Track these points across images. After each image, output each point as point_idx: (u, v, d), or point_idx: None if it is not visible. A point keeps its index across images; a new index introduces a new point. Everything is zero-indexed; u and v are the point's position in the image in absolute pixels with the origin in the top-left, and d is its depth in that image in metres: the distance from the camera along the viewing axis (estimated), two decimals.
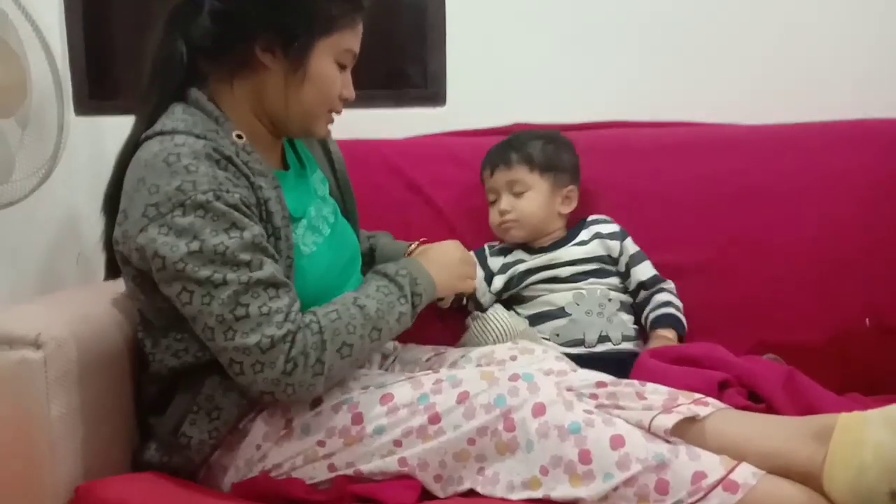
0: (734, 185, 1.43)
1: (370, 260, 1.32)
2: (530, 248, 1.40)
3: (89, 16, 1.78)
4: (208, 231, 0.90)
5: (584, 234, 1.38)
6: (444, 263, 1.16)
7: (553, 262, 1.35)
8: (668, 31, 1.63)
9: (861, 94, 1.56)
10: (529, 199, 1.35)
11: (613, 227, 1.39)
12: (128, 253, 0.95)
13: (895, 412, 0.84)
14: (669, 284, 1.36)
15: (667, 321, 1.31)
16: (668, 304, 1.33)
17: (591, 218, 1.41)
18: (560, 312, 1.32)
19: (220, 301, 0.90)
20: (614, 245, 1.36)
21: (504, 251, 1.42)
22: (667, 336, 1.29)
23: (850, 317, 1.34)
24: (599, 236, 1.37)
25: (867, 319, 1.34)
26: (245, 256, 0.91)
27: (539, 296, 1.35)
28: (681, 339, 1.31)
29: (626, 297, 1.37)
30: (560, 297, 1.33)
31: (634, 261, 1.37)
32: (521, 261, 1.38)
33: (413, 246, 1.29)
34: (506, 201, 1.36)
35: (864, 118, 1.48)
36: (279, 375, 0.91)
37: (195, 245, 0.89)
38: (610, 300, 1.33)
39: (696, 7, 1.62)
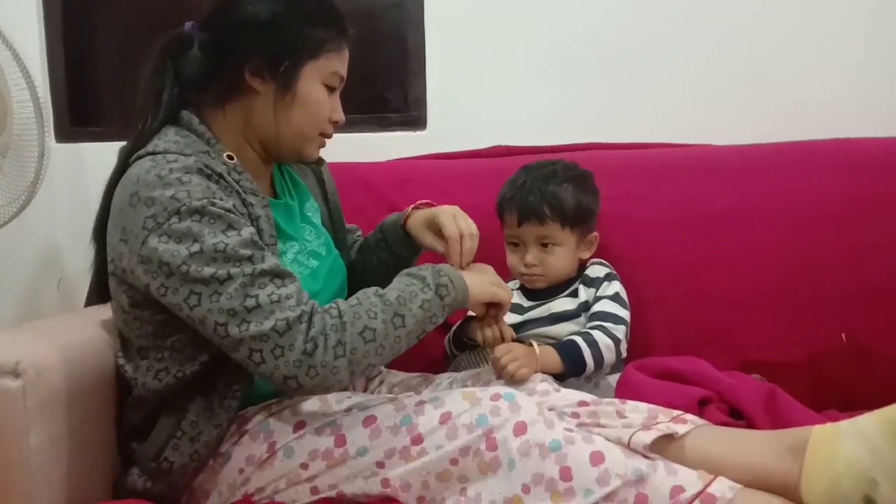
0: (708, 205, 1.44)
1: (384, 245, 1.28)
2: (530, 292, 1.35)
3: (70, 44, 1.80)
4: (206, 232, 0.91)
5: (577, 283, 1.33)
6: (478, 270, 1.13)
7: (547, 314, 1.30)
8: (641, 56, 1.67)
9: (833, 114, 1.60)
10: (558, 254, 1.29)
11: (599, 272, 1.32)
12: (129, 269, 0.95)
13: (865, 423, 0.86)
14: (613, 329, 1.23)
15: (564, 345, 1.20)
16: (586, 334, 1.22)
17: (590, 262, 1.35)
18: None
19: (227, 295, 0.90)
20: (590, 292, 1.31)
21: None
22: (545, 351, 1.18)
23: (826, 334, 1.36)
24: (584, 283, 1.32)
25: (843, 335, 1.36)
26: (246, 251, 0.92)
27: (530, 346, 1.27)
28: (563, 374, 1.19)
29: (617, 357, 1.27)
30: None
31: (596, 301, 1.28)
32: (519, 306, 1.33)
33: (410, 209, 1.24)
34: (533, 255, 1.29)
35: (836, 138, 1.51)
36: (300, 356, 0.90)
37: (195, 247, 0.91)
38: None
39: (669, 34, 1.66)
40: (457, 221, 1.14)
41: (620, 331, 1.24)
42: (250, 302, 0.90)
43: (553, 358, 1.18)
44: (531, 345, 1.18)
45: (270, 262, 0.94)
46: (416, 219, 1.22)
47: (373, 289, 1.01)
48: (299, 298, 0.93)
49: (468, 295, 1.06)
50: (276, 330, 0.90)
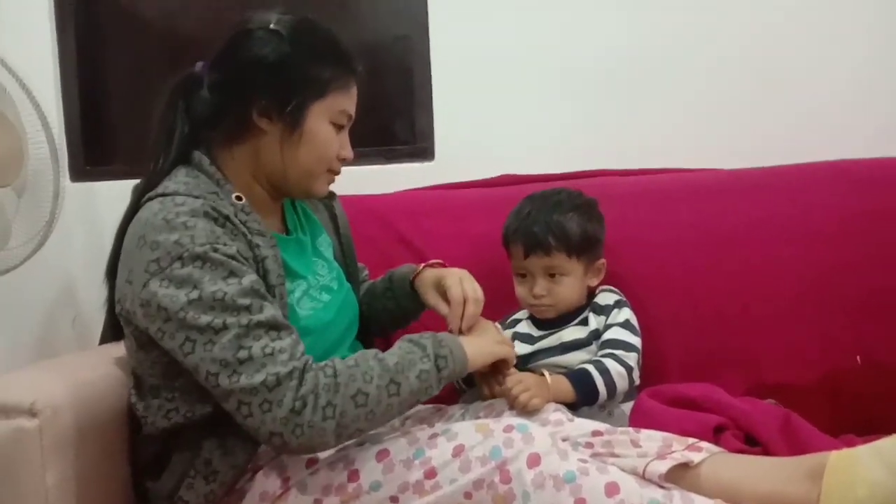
0: (718, 227, 1.45)
1: (391, 294, 1.28)
2: (539, 321, 1.34)
3: (84, 85, 1.84)
4: (207, 279, 0.92)
5: (587, 311, 1.32)
6: (480, 332, 1.13)
7: (558, 343, 1.29)
8: (646, 86, 1.69)
9: (839, 135, 1.60)
10: (566, 284, 1.29)
11: (609, 299, 1.32)
12: (132, 310, 0.96)
13: (886, 447, 0.85)
14: (625, 356, 1.22)
15: (575, 374, 1.20)
16: (597, 362, 1.21)
17: (599, 289, 1.35)
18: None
19: (221, 345, 0.90)
20: (601, 320, 1.30)
21: (514, 322, 1.37)
22: (557, 381, 1.17)
23: (841, 355, 1.35)
24: (594, 311, 1.31)
25: (858, 357, 1.35)
26: (244, 301, 0.92)
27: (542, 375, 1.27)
28: (576, 403, 1.18)
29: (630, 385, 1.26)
30: None
31: (607, 328, 1.28)
32: (529, 335, 1.33)
33: (421, 267, 1.25)
34: (541, 286, 1.28)
35: (845, 158, 1.51)
36: (287, 414, 0.90)
37: (194, 294, 0.91)
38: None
39: (673, 63, 1.68)
40: (462, 285, 1.13)
41: (632, 358, 1.23)
42: (243, 354, 0.90)
43: (565, 387, 1.18)
44: (542, 374, 1.17)
45: (268, 312, 0.94)
46: (425, 278, 1.22)
47: (372, 351, 1.01)
48: (293, 353, 0.93)
49: (467, 366, 1.05)
50: (266, 385, 0.90)
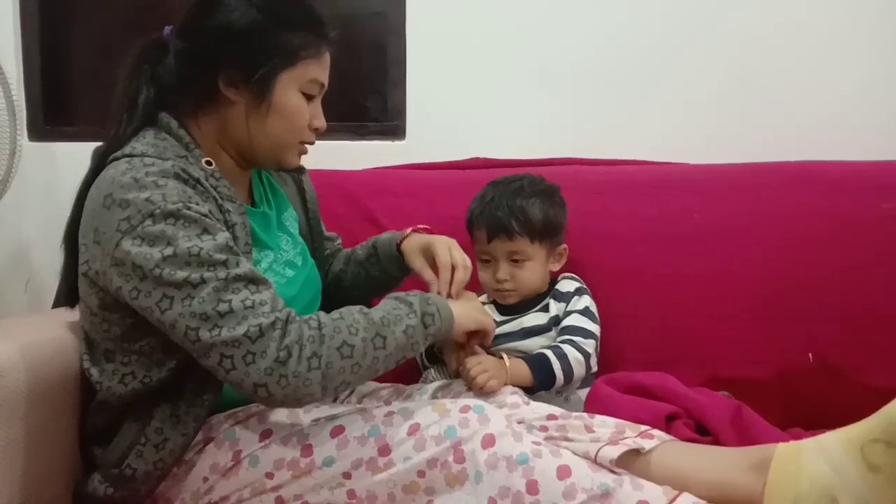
0: (683, 222, 1.46)
1: (375, 260, 1.28)
2: (502, 306, 1.35)
3: (46, 41, 1.78)
4: (181, 235, 0.90)
5: (548, 297, 1.33)
6: (464, 299, 1.14)
7: (519, 329, 1.31)
8: (623, 71, 1.69)
9: (807, 136, 1.62)
10: (529, 269, 1.30)
11: (570, 286, 1.33)
12: (102, 271, 0.94)
13: (828, 441, 0.87)
14: (583, 343, 1.24)
15: (534, 359, 1.21)
16: (556, 348, 1.23)
17: (561, 276, 1.36)
18: None
19: (200, 299, 0.89)
20: (561, 306, 1.31)
21: None
22: (515, 364, 1.18)
23: (793, 354, 1.37)
24: (555, 297, 1.33)
25: (810, 354, 1.38)
26: (220, 256, 0.91)
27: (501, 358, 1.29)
28: (533, 387, 1.19)
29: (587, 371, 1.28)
30: None
31: (567, 315, 1.29)
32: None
33: (408, 231, 1.25)
34: (504, 270, 1.29)
35: (809, 160, 1.53)
36: (272, 363, 0.88)
37: (169, 250, 0.89)
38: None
39: (650, 49, 1.68)
40: (451, 252, 1.15)
41: (590, 345, 1.24)
42: (223, 307, 0.89)
43: (523, 370, 1.18)
44: (502, 357, 1.18)
45: (245, 267, 0.93)
46: (412, 242, 1.22)
47: (358, 307, 1.00)
48: (274, 305, 0.92)
49: (454, 325, 1.06)
50: (249, 336, 0.89)
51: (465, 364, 1.13)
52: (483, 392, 1.10)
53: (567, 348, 1.22)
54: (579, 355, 1.22)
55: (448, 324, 1.05)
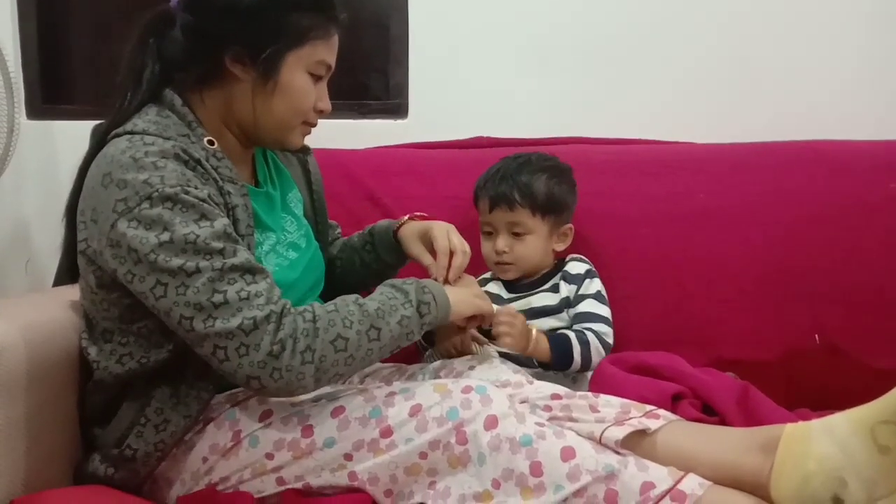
0: (690, 203, 1.45)
1: (371, 247, 1.28)
2: (510, 284, 1.35)
3: (44, 18, 1.76)
4: (178, 221, 0.88)
5: (557, 278, 1.32)
6: (463, 284, 1.14)
7: (527, 308, 1.29)
8: (628, 50, 1.67)
9: (823, 115, 1.61)
10: (529, 242, 1.29)
11: (580, 268, 1.32)
12: (99, 250, 0.93)
13: (837, 422, 0.86)
14: (605, 334, 1.25)
15: (556, 338, 1.21)
16: (580, 333, 1.23)
17: (569, 257, 1.35)
18: (528, 361, 1.25)
19: (195, 289, 0.88)
20: (572, 289, 1.30)
21: (483, 281, 1.37)
22: (541, 338, 1.19)
23: (799, 335, 1.37)
24: (565, 279, 1.31)
25: (816, 336, 1.37)
26: (217, 244, 0.89)
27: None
28: (549, 363, 1.21)
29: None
30: None
31: (580, 299, 1.28)
32: (500, 297, 1.34)
33: (405, 218, 1.24)
34: (504, 241, 1.29)
35: (817, 139, 1.51)
36: (265, 357, 0.88)
37: (165, 236, 0.88)
38: None
39: (657, 28, 1.66)
40: (450, 237, 1.14)
41: (610, 335, 1.25)
42: (218, 297, 0.88)
43: (543, 345, 1.19)
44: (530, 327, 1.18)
45: (242, 256, 0.91)
46: (410, 229, 1.21)
47: (353, 296, 0.99)
48: (269, 297, 0.91)
49: (450, 313, 1.05)
50: (243, 328, 0.88)
51: (498, 315, 1.13)
52: (495, 342, 1.13)
53: (591, 337, 1.23)
54: (601, 347, 1.23)
55: (444, 311, 1.04)
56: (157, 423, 0.96)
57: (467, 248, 1.14)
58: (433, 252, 1.15)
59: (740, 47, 1.65)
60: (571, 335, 1.22)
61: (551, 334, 1.22)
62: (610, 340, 1.25)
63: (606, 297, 1.30)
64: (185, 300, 0.88)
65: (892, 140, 1.50)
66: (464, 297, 1.09)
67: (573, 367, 1.21)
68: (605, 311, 1.28)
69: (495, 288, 1.36)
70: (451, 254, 1.13)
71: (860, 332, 1.36)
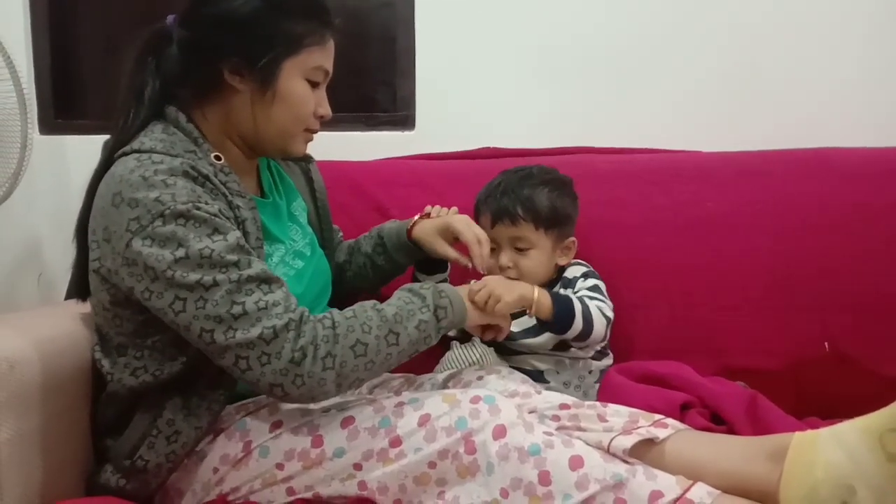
0: (695, 211, 1.44)
1: (382, 250, 1.29)
2: None
3: (56, 35, 1.78)
4: (192, 237, 0.90)
5: (558, 286, 1.30)
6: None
7: (530, 322, 1.27)
8: (633, 61, 1.67)
9: (827, 124, 1.61)
10: (532, 257, 1.27)
11: (576, 271, 1.31)
12: (114, 270, 0.94)
13: (845, 430, 0.86)
14: (605, 308, 1.23)
15: (559, 296, 1.20)
16: (582, 299, 1.22)
17: (570, 262, 1.33)
18: (538, 376, 1.26)
19: (214, 302, 0.89)
20: (569, 291, 1.28)
21: None
22: (543, 294, 1.17)
23: (808, 343, 1.36)
24: (564, 285, 1.30)
25: (826, 344, 1.36)
26: (232, 257, 0.91)
27: (520, 353, 1.29)
28: (549, 324, 1.19)
29: (605, 365, 1.30)
30: (541, 361, 1.28)
31: (577, 291, 1.26)
32: None
33: (416, 218, 1.26)
34: (507, 256, 1.27)
35: (822, 147, 1.51)
36: (287, 365, 0.89)
37: (181, 252, 0.89)
38: (590, 372, 1.28)
39: (662, 38, 1.66)
40: (472, 228, 1.17)
41: (608, 310, 1.23)
42: (237, 309, 0.89)
43: (546, 301, 1.17)
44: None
45: (257, 267, 0.92)
46: (426, 227, 1.22)
47: (371, 302, 1.00)
48: (287, 306, 0.92)
49: (465, 317, 1.07)
50: (263, 338, 0.89)
51: (472, 292, 1.10)
52: (489, 311, 1.09)
53: (592, 304, 1.20)
54: (602, 317, 1.20)
55: (461, 316, 1.05)
56: (168, 434, 0.97)
57: (486, 236, 1.18)
58: (455, 246, 1.17)
59: (745, 56, 1.65)
60: (573, 296, 1.21)
61: (554, 293, 1.20)
62: (609, 314, 1.22)
63: (606, 293, 1.28)
64: (205, 314, 0.89)
65: None
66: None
67: (574, 326, 1.17)
68: (601, 295, 1.25)
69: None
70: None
71: (869, 340, 1.34)
